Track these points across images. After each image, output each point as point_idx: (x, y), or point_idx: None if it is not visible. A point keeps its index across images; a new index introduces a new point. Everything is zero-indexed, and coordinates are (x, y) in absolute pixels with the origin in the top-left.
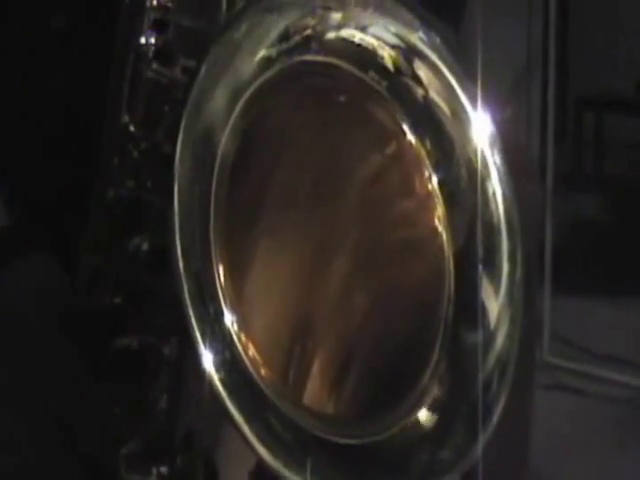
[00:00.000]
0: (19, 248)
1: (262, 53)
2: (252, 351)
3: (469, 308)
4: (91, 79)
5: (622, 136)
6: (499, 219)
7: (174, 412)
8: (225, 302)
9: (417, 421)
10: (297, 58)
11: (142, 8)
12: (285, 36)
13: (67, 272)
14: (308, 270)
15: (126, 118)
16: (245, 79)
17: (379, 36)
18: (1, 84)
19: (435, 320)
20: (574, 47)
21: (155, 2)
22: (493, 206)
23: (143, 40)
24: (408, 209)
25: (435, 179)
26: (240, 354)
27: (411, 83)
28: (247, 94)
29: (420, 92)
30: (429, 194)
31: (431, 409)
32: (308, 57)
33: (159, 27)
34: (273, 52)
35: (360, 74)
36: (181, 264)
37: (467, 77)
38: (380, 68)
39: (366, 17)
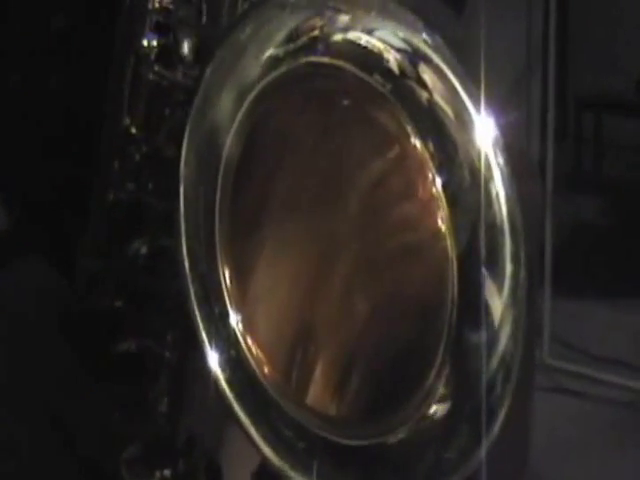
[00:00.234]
0: (18, 250)
1: (270, 52)
2: (256, 351)
3: (472, 309)
4: (91, 80)
5: (622, 137)
6: (502, 220)
7: (175, 415)
8: (230, 303)
9: (421, 422)
10: (303, 59)
11: (144, 10)
12: (293, 36)
13: (66, 274)
14: (312, 272)
15: (127, 121)
16: (250, 80)
17: (385, 39)
18: (0, 86)
19: (439, 322)
20: (574, 48)
21: (157, 4)
22: (496, 207)
23: (145, 42)
24: (411, 212)
25: (439, 182)
26: (245, 354)
27: (416, 86)
28: (252, 95)
29: (425, 95)
30: (433, 197)
31: (435, 410)
32: (313, 58)
33: (161, 29)
34: (280, 52)
35: (365, 76)
36: (187, 266)
37: (470, 80)
38: (385, 71)
39: (373, 20)
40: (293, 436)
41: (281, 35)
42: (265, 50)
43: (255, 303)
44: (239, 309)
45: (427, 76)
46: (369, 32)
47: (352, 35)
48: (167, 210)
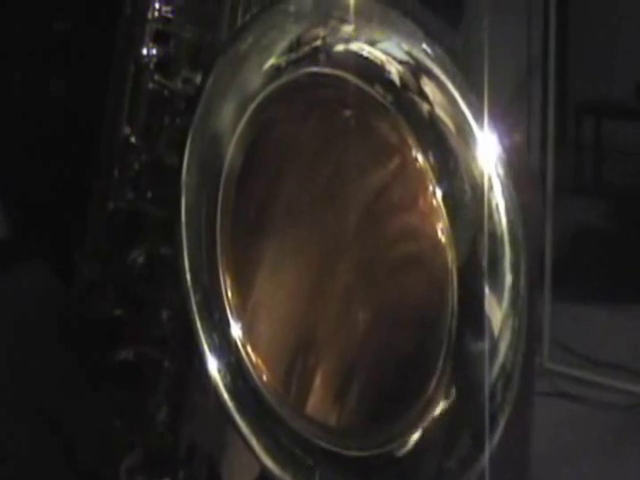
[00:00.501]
0: (18, 256)
1: (271, 62)
2: (256, 360)
3: (472, 320)
4: (92, 86)
5: (622, 143)
6: (502, 231)
7: (175, 424)
8: (231, 312)
9: (423, 432)
10: (304, 69)
11: (143, 19)
12: (295, 46)
13: (66, 281)
14: (313, 281)
15: (127, 129)
16: (252, 90)
17: (388, 51)
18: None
19: (439, 332)
20: (574, 53)
21: (156, 13)
22: (496, 218)
23: (144, 51)
24: (412, 223)
25: (439, 193)
26: (245, 363)
27: (417, 98)
28: (254, 105)
29: (426, 107)
30: (433, 208)
31: (436, 420)
32: (315, 69)
33: (160, 38)
34: (282, 61)
35: (366, 87)
36: (188, 275)
37: (471, 91)
38: (386, 82)
39: (376, 31)
40: (294, 446)
41: (283, 44)
42: (266, 60)
43: (256, 312)
44: (240, 318)
45: (428, 88)
46: (372, 43)
47: (354, 46)
48: (166, 218)
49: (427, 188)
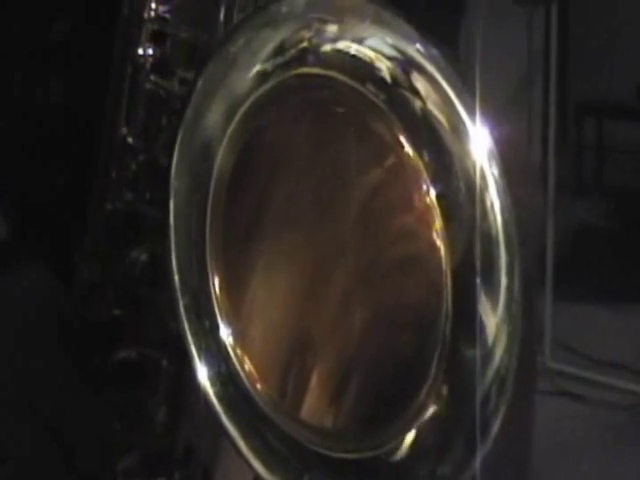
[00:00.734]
0: (18, 258)
1: (257, 67)
2: (248, 365)
3: (467, 323)
4: (90, 87)
5: (623, 143)
6: (497, 231)
7: (173, 425)
8: (221, 316)
9: (415, 436)
10: (293, 71)
11: (140, 20)
12: (281, 50)
13: (65, 282)
14: (306, 284)
15: (124, 130)
16: (241, 93)
17: (376, 48)
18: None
19: (433, 335)
20: (574, 54)
21: (153, 14)
22: (491, 218)
23: (141, 52)
24: (406, 223)
25: (433, 192)
26: (236, 368)
27: (409, 95)
28: (243, 108)
29: (418, 104)
30: (427, 207)
31: (429, 424)
32: (304, 70)
33: (157, 39)
34: (268, 66)
35: (357, 86)
36: (177, 278)
37: (465, 88)
38: (377, 80)
39: (362, 29)
40: (285, 450)
41: (267, 50)
42: (253, 65)
43: (248, 316)
44: (230, 322)
45: (420, 84)
46: (359, 41)
47: (341, 45)
48: (164, 219)
49: (421, 187)
